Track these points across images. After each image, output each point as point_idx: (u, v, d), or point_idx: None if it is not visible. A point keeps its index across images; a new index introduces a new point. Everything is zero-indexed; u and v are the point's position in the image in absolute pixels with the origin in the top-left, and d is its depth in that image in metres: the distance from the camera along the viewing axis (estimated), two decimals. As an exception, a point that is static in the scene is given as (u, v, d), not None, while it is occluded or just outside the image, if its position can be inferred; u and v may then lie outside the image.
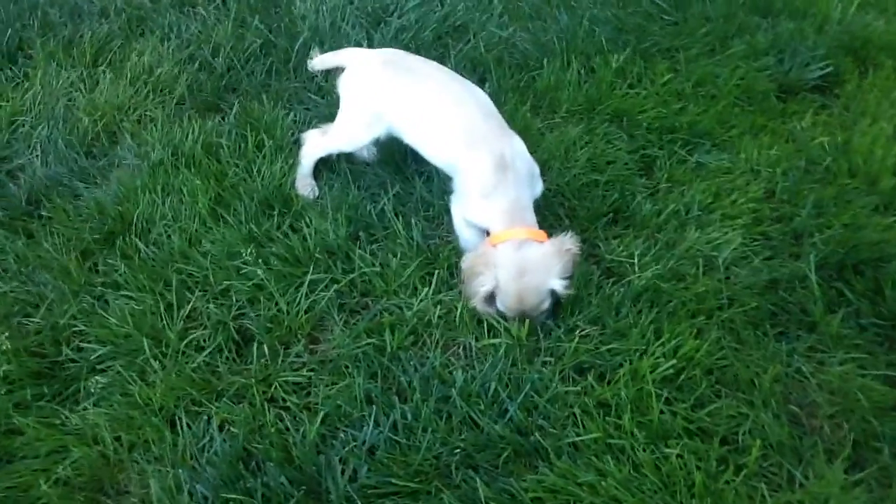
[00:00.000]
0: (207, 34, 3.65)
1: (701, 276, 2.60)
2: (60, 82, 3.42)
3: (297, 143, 3.03)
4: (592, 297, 2.55)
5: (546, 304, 2.45)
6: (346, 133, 2.87)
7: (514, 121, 3.04)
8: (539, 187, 2.70)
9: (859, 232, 2.69)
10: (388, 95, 2.76)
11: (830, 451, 2.18)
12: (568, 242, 2.46)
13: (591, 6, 3.78)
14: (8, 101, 3.34)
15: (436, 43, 3.60)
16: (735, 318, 2.49)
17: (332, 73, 3.12)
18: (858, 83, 3.36)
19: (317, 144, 2.92)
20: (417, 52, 3.53)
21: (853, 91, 3.32)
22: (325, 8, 3.76)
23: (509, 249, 2.44)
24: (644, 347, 2.38)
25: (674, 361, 2.31)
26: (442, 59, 3.45)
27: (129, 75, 3.46)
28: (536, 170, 2.68)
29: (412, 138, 2.76)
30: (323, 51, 3.25)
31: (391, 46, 3.50)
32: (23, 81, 3.48)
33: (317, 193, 2.96)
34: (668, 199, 2.88)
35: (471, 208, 2.60)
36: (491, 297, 2.46)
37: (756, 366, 2.36)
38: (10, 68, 3.56)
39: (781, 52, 3.51)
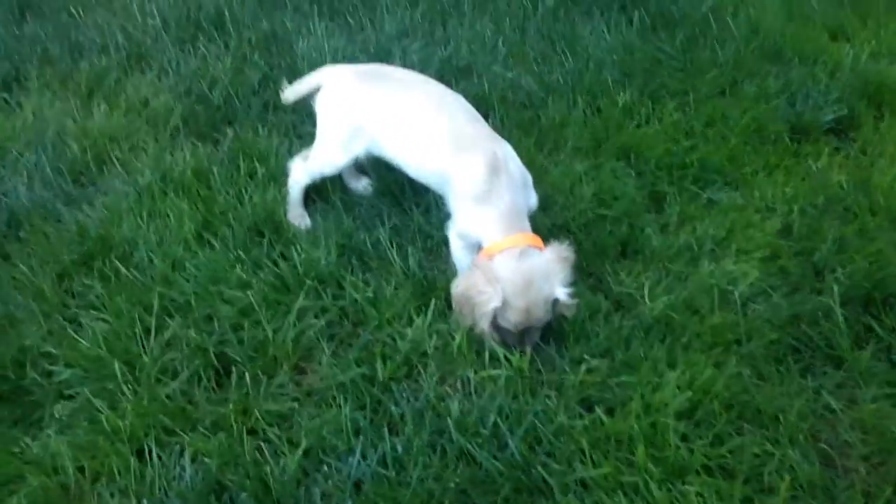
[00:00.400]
0: (206, 70, 3.57)
1: (716, 310, 2.43)
2: (53, 111, 3.33)
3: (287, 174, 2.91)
4: (600, 328, 2.38)
5: (548, 317, 2.29)
6: (324, 154, 2.72)
7: (518, 155, 2.93)
8: (533, 199, 2.56)
9: (886, 267, 2.54)
10: (365, 107, 2.62)
11: (868, 494, 1.98)
12: (566, 250, 2.32)
13: (597, 51, 3.71)
14: (-3, 128, 3.24)
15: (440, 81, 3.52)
16: (755, 351, 2.31)
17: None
18: (875, 126, 3.27)
19: (300, 171, 2.79)
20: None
21: (869, 134, 3.22)
22: (326, 47, 3.70)
23: (511, 260, 2.27)
24: (657, 380, 2.19)
25: (689, 394, 2.12)
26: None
27: (123, 106, 3.37)
28: (529, 179, 2.55)
29: (395, 151, 2.61)
30: None
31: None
32: (15, 109, 3.39)
33: (308, 224, 2.82)
34: (679, 234, 2.74)
35: (463, 218, 2.45)
36: (495, 318, 2.28)
37: (780, 401, 2.16)
38: (5, 98, 3.48)
39: (793, 96, 3.42)
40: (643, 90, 3.44)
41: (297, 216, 2.83)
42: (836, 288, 2.45)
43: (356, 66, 2.83)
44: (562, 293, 2.26)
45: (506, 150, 2.50)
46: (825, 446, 2.09)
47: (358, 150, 2.66)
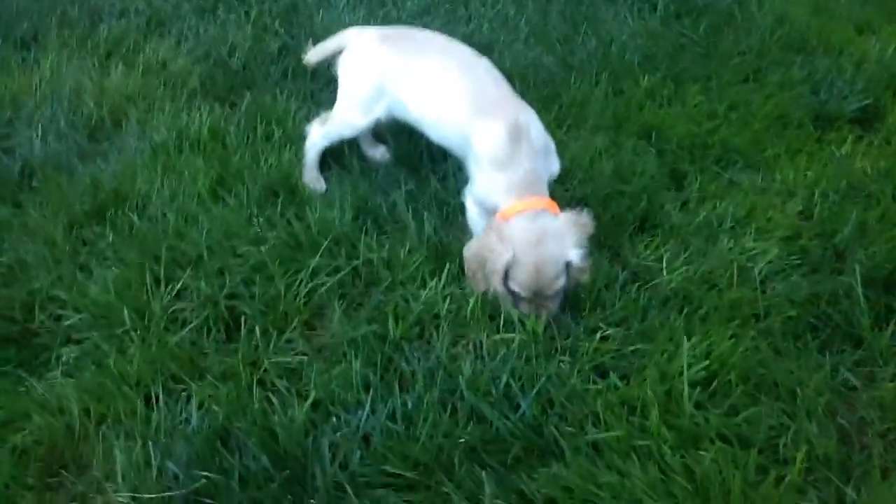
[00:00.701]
0: (225, 36, 3.55)
1: (735, 285, 2.39)
2: (71, 69, 3.32)
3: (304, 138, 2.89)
4: (616, 298, 2.35)
5: (561, 282, 2.24)
6: (345, 115, 2.69)
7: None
8: (555, 165, 2.54)
9: (906, 250, 2.50)
10: (388, 66, 2.59)
11: (885, 470, 1.93)
12: (584, 217, 2.29)
13: (620, 35, 3.68)
14: (14, 82, 3.21)
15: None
16: (773, 327, 2.27)
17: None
18: (900, 118, 3.23)
19: (318, 133, 2.76)
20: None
21: (894, 124, 3.17)
22: (347, 20, 3.67)
23: (524, 220, 2.25)
24: (673, 349, 2.15)
25: (706, 363, 2.08)
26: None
27: (141, 68, 3.35)
28: (552, 144, 2.52)
29: (417, 111, 2.57)
30: None
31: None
32: (32, 66, 3.37)
33: (324, 187, 2.79)
34: (699, 211, 2.69)
35: (481, 182, 2.41)
36: (506, 277, 2.25)
37: (797, 375, 2.12)
38: (23, 57, 3.46)
39: (818, 85, 3.38)
40: (666, 74, 3.40)
41: (313, 179, 2.80)
42: (857, 269, 2.40)
43: (381, 27, 2.80)
44: (574, 255, 2.23)
45: (529, 116, 2.47)
46: (842, 422, 2.05)
47: (379, 111, 2.63)
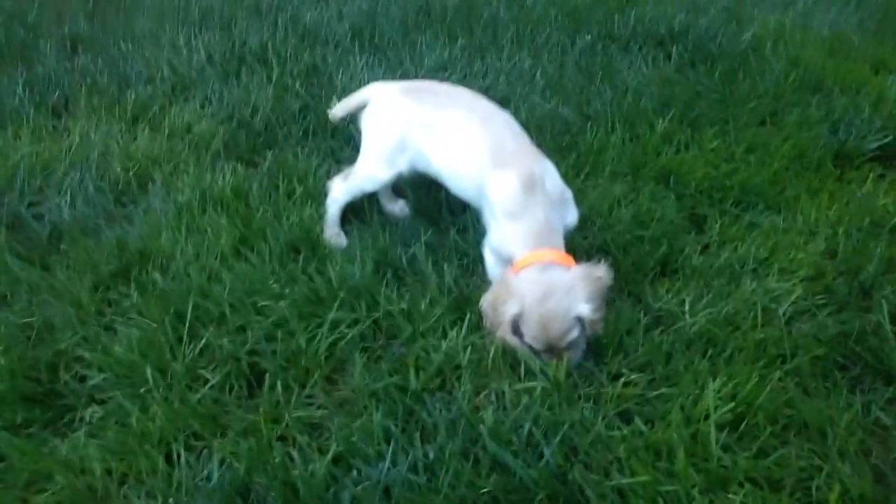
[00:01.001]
0: (248, 98, 3.64)
1: (759, 325, 2.36)
2: (99, 135, 3.40)
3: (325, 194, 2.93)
4: (639, 343, 2.32)
5: (574, 334, 2.22)
6: (367, 169, 2.74)
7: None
8: (573, 215, 2.55)
9: (937, 286, 2.45)
10: (410, 119, 2.64)
11: (924, 512, 1.87)
12: (598, 270, 2.27)
13: (636, 83, 3.72)
14: (45, 149, 3.31)
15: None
16: (801, 367, 2.23)
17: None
18: (922, 155, 3.20)
19: (340, 189, 2.80)
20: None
21: (916, 162, 3.16)
22: (366, 78, 3.75)
23: (533, 273, 2.26)
24: (698, 392, 2.12)
25: (731, 405, 2.04)
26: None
27: (166, 131, 3.44)
28: (569, 194, 2.54)
29: (438, 163, 2.61)
30: None
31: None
32: (63, 134, 3.47)
33: (344, 243, 2.81)
34: (720, 254, 2.68)
35: (497, 232, 2.44)
36: (518, 330, 2.24)
37: (828, 414, 2.07)
38: (54, 125, 3.57)
39: (836, 124, 3.38)
40: (682, 119, 3.42)
41: (334, 235, 2.83)
42: (884, 304, 2.36)
43: (403, 82, 2.86)
44: (584, 309, 2.21)
45: (545, 167, 2.49)
46: (877, 461, 1.99)
47: (402, 164, 2.68)
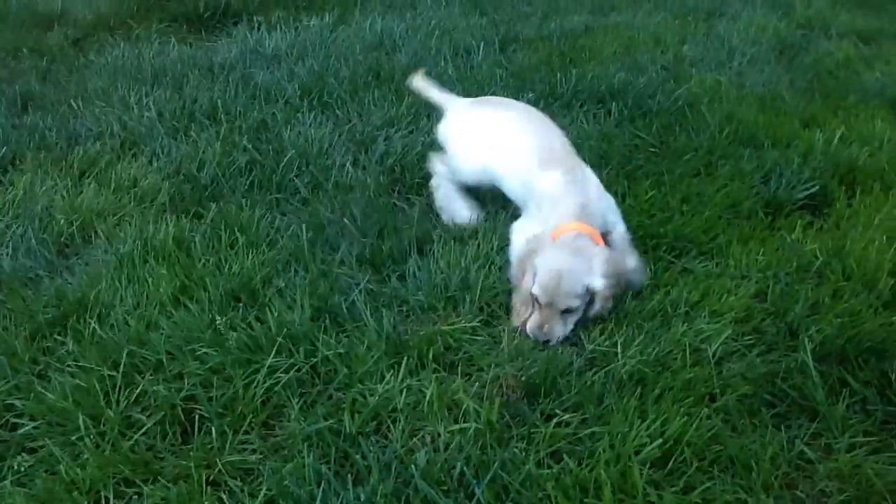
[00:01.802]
0: (196, 153, 3.68)
1: (689, 366, 2.42)
2: (44, 189, 3.42)
3: (271, 242, 2.96)
4: (572, 384, 2.36)
5: (577, 302, 2.53)
6: (457, 168, 3.27)
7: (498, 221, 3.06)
8: (620, 225, 2.93)
9: (860, 325, 2.53)
10: (477, 126, 3.24)
11: (844, 541, 1.90)
12: (628, 260, 2.64)
13: (576, 138, 3.82)
14: (-13, 204, 3.32)
15: (420, 165, 3.62)
16: (728, 404, 2.28)
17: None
18: (847, 203, 3.32)
19: (439, 162, 3.35)
20: (402, 173, 3.58)
21: (842, 209, 3.27)
22: (312, 134, 3.83)
23: (567, 237, 2.65)
24: (627, 430, 2.15)
25: (660, 441, 2.08)
26: (424, 179, 3.47)
27: (113, 186, 3.46)
28: (613, 203, 2.99)
29: (500, 167, 3.09)
30: (309, 169, 3.51)
31: (375, 168, 3.57)
32: (7, 188, 3.48)
33: (467, 216, 3.17)
34: (652, 297, 2.74)
35: (536, 217, 2.83)
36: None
37: (753, 450, 2.12)
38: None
39: (767, 175, 3.50)
40: (619, 171, 3.53)
41: (458, 209, 3.19)
42: (808, 343, 2.44)
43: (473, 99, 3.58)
44: (598, 282, 2.55)
45: (586, 172, 2.99)
46: (801, 494, 2.04)
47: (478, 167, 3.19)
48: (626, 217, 3.11)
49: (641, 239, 3.05)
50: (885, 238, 2.97)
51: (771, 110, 4.14)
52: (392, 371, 2.43)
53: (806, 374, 2.37)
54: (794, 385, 2.36)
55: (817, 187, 3.40)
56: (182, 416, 2.32)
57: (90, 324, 2.60)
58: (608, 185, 3.36)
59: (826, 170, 3.52)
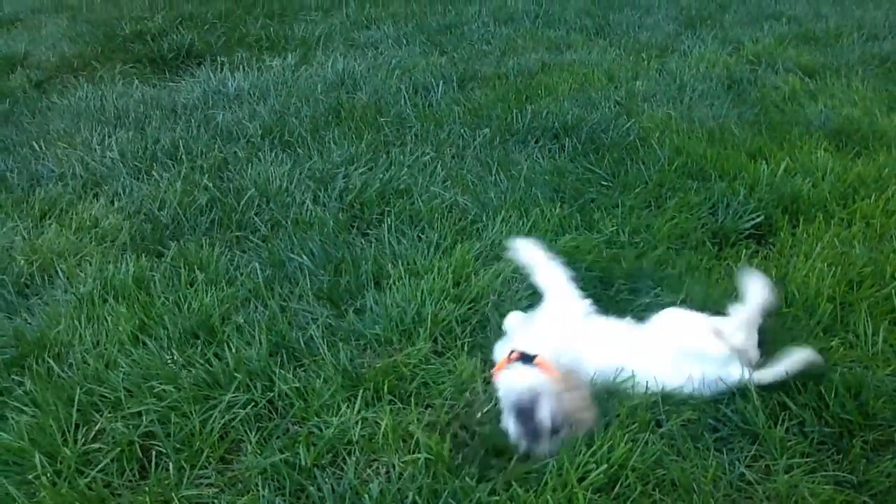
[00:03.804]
0: (157, 193, 3.74)
1: (635, 393, 2.50)
2: (4, 230, 3.45)
3: (230, 280, 3.02)
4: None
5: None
6: None
7: (453, 262, 3.12)
8: None
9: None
10: None
11: (781, 560, 1.98)
12: None
13: (531, 173, 3.93)
14: (-54, 247, 3.34)
15: (378, 201, 3.70)
16: (673, 430, 2.36)
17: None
18: (791, 232, 3.44)
19: None
20: (361, 209, 3.65)
21: (786, 238, 3.38)
22: (273, 172, 3.90)
23: None
24: (574, 457, 2.22)
25: (605, 466, 2.15)
26: (383, 215, 3.55)
27: (74, 226, 3.50)
28: None
29: None
30: (269, 207, 3.48)
31: (334, 204, 3.64)
32: (-33, 230, 3.51)
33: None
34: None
35: None
36: None
37: (695, 473, 2.20)
38: (-42, 222, 3.61)
39: (714, 207, 3.62)
40: (572, 205, 3.63)
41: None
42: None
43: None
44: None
45: None
46: (740, 516, 2.12)
47: None
48: (582, 252, 3.21)
49: (597, 272, 3.13)
50: (825, 265, 3.09)
51: (719, 143, 4.29)
52: (348, 404, 2.49)
53: (747, 398, 2.46)
54: (737, 409, 2.44)
55: (762, 217, 3.52)
56: (140, 453, 2.35)
57: (48, 363, 2.63)
58: (563, 220, 3.48)
59: (771, 200, 3.65)
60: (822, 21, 7.08)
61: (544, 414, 2.30)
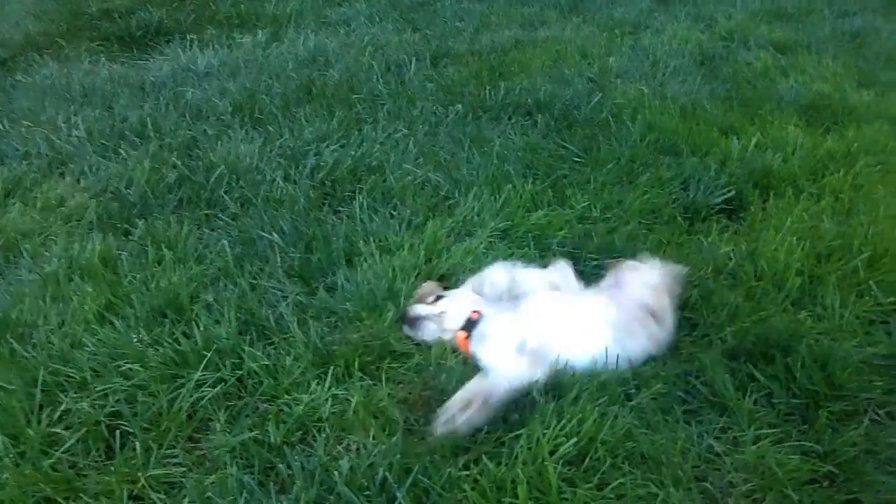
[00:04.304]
0: (125, 171, 3.67)
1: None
2: (-34, 212, 3.38)
3: (199, 258, 2.99)
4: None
5: None
6: None
7: (427, 236, 3.11)
8: None
9: (767, 323, 2.65)
10: None
11: (748, 528, 2.00)
12: None
13: (503, 150, 3.91)
14: None
15: (350, 178, 3.66)
16: (643, 403, 2.37)
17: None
18: (762, 207, 3.46)
19: None
20: (332, 186, 3.62)
21: (756, 213, 3.40)
22: (243, 149, 3.85)
23: None
24: (544, 431, 2.22)
25: (575, 440, 2.16)
26: (355, 192, 3.52)
27: (39, 205, 3.44)
28: None
29: None
30: (239, 185, 3.42)
31: (306, 182, 3.59)
32: (-73, 210, 3.43)
33: None
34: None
35: None
36: None
37: (665, 445, 2.21)
38: (-82, 204, 3.52)
39: (686, 182, 3.63)
40: (545, 181, 3.62)
41: None
42: (719, 343, 2.54)
43: None
44: None
45: None
46: (709, 486, 2.13)
47: None
48: (554, 227, 3.21)
49: (569, 247, 3.13)
50: (794, 240, 3.10)
51: (691, 119, 4.29)
52: (318, 381, 2.47)
53: (716, 371, 2.47)
54: (706, 381, 2.45)
55: (733, 192, 3.54)
56: (106, 433, 2.32)
57: (11, 343, 2.58)
58: (535, 196, 3.47)
59: (742, 175, 3.67)
60: (793, -3, 7.10)
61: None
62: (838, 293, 2.83)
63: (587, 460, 2.16)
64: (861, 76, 5.12)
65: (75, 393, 2.44)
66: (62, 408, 2.37)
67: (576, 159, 3.88)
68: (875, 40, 5.87)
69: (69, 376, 2.49)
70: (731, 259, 3.07)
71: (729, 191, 3.54)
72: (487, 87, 4.58)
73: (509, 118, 4.31)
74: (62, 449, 2.23)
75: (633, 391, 2.43)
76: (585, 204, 3.43)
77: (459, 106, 4.33)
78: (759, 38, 5.80)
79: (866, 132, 4.16)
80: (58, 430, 2.30)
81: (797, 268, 2.95)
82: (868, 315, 2.78)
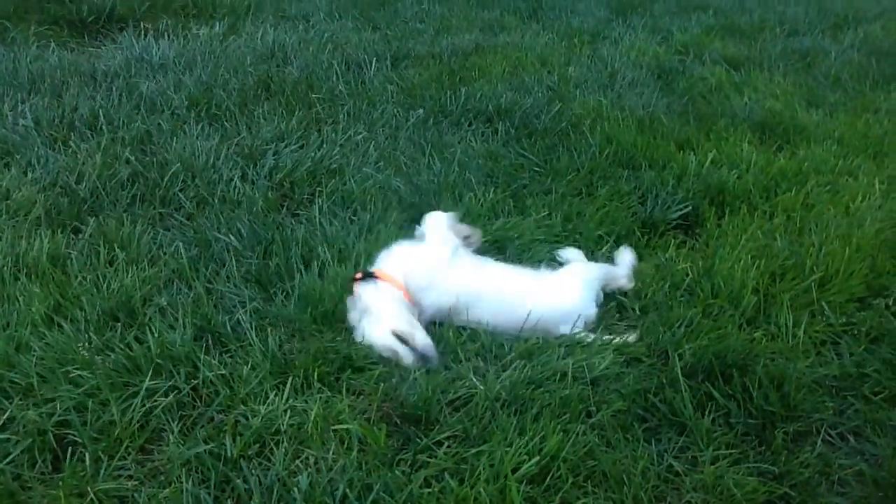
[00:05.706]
0: (75, 165, 3.56)
1: (567, 384, 2.50)
2: None
3: (153, 259, 2.91)
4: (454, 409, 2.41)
5: None
6: None
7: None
8: None
9: (725, 341, 2.69)
10: None
11: (705, 550, 2.02)
12: None
13: (464, 156, 3.90)
14: None
15: (309, 180, 3.61)
16: (603, 420, 2.38)
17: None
18: (717, 223, 3.51)
19: None
20: (291, 188, 3.56)
21: (712, 229, 3.45)
22: (198, 146, 3.76)
23: None
24: (506, 449, 2.22)
25: (537, 458, 2.15)
26: (314, 195, 3.47)
27: (-20, 200, 3.31)
28: None
29: None
30: (194, 183, 3.32)
31: (264, 182, 3.53)
32: None
33: None
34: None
35: None
36: None
37: (625, 464, 2.22)
38: None
39: (644, 196, 3.67)
40: (505, 190, 3.62)
41: None
42: (678, 361, 2.57)
43: None
44: None
45: None
46: (668, 507, 2.15)
47: None
48: (514, 236, 3.21)
49: (527, 257, 3.14)
50: (749, 257, 3.15)
51: (649, 132, 4.34)
52: (276, 391, 2.42)
53: (676, 389, 2.49)
54: (665, 399, 2.47)
55: (690, 208, 3.59)
56: (53, 443, 2.23)
57: (-49, 348, 2.47)
58: (495, 205, 3.46)
59: (698, 191, 3.72)
60: (746, 14, 7.26)
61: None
62: (791, 313, 2.88)
63: (548, 479, 2.16)
64: (810, 95, 5.25)
65: (20, 400, 2.34)
66: (6, 415, 2.28)
67: (536, 169, 3.89)
68: (824, 61, 6.02)
69: (14, 382, 2.39)
70: (687, 275, 3.10)
71: (686, 206, 3.59)
72: (448, 92, 4.57)
73: (469, 124, 4.30)
74: (6, 460, 2.13)
75: (592, 409, 2.44)
76: (545, 213, 3.43)
77: (421, 110, 4.31)
78: (714, 52, 5.90)
79: (816, 152, 4.26)
80: (2, 439, 2.20)
81: (752, 286, 2.99)
82: (819, 335, 2.84)
